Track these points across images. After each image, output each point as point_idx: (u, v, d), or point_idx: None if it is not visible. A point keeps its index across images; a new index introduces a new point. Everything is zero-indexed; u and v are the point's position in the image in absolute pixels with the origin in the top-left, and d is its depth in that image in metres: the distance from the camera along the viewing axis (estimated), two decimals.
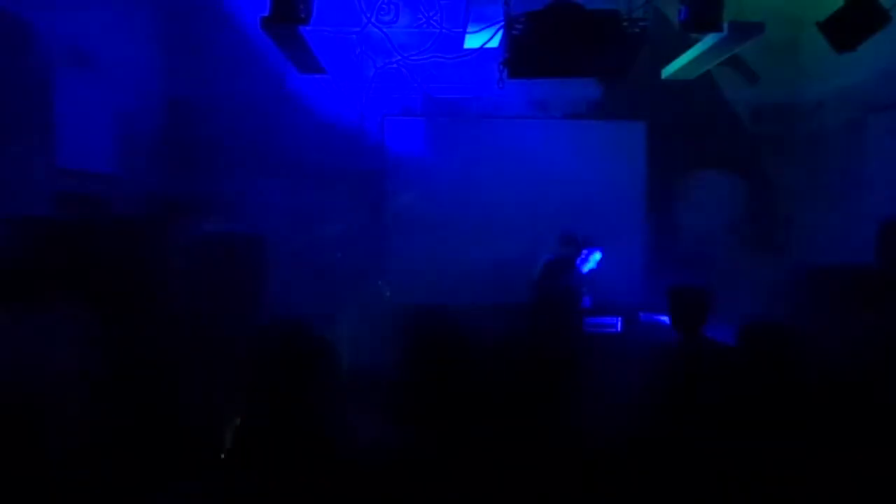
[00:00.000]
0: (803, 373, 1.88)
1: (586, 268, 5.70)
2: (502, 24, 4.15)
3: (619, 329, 6.06)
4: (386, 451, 1.78)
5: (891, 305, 2.87)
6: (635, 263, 6.66)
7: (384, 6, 6.50)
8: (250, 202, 6.49)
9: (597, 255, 5.68)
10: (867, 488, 2.05)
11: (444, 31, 6.35)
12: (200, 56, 6.46)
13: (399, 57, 6.18)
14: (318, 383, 2.33)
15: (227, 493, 2.14)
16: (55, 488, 2.12)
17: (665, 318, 4.68)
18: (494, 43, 5.01)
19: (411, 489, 1.65)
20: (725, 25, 4.40)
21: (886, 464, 2.06)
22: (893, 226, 4.34)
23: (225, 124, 6.53)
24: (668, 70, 5.74)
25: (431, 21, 6.59)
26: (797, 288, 4.83)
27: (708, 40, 4.89)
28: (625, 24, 3.84)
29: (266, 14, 4.33)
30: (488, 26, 4.94)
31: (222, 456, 2.66)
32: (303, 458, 2.09)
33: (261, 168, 6.64)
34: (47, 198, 4.40)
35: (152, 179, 6.09)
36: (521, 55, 4.03)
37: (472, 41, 5.43)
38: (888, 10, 4.17)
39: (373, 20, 6.03)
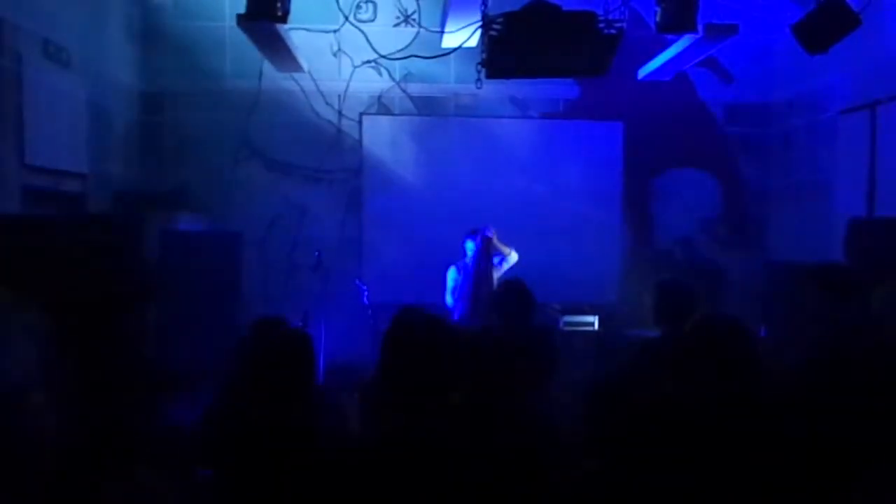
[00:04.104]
0: (750, 366, 1.91)
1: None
2: (480, 24, 4.16)
3: (595, 327, 6.11)
4: (362, 445, 1.79)
5: (859, 302, 2.93)
6: (612, 262, 6.71)
7: (362, 5, 6.49)
8: (226, 200, 6.45)
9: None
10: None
11: (422, 30, 6.35)
12: (176, 52, 6.40)
13: (377, 56, 6.16)
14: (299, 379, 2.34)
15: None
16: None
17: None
18: (472, 43, 5.01)
19: (388, 483, 1.66)
20: (700, 27, 4.46)
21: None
22: (861, 225, 4.44)
23: (201, 122, 6.48)
24: (645, 70, 5.80)
25: (409, 20, 6.59)
26: (768, 285, 4.91)
27: (683, 41, 4.95)
28: (601, 24, 3.87)
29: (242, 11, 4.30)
30: (466, 26, 4.94)
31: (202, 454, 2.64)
32: (280, 451, 2.09)
33: (237, 166, 6.59)
34: (16, 196, 4.32)
35: (126, 176, 6.02)
36: (499, 55, 4.05)
37: (450, 41, 5.43)
38: (858, 14, 4.25)
39: (351, 19, 6.01)
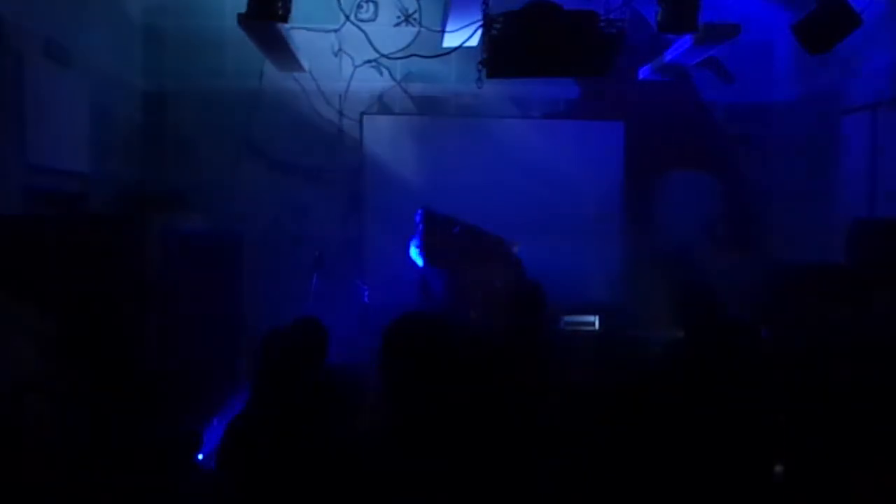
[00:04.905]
0: (752, 363, 1.91)
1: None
2: (481, 23, 4.16)
3: (597, 327, 6.11)
4: (364, 452, 1.79)
5: (860, 302, 2.93)
6: (612, 262, 6.70)
7: (363, 4, 6.48)
8: (227, 200, 6.44)
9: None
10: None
11: (423, 29, 6.35)
12: (176, 51, 6.40)
13: (378, 55, 6.16)
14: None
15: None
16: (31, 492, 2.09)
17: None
18: (473, 42, 5.01)
19: (392, 491, 1.66)
20: (701, 27, 4.46)
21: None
22: (863, 225, 4.44)
23: (202, 122, 6.47)
24: (646, 70, 5.80)
25: (410, 20, 6.58)
26: (770, 285, 4.91)
27: (684, 41, 4.95)
28: (602, 24, 3.87)
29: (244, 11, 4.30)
30: (467, 25, 4.94)
31: (201, 456, 2.65)
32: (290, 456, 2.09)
33: (238, 165, 6.59)
34: (19, 196, 4.32)
35: (128, 176, 6.01)
36: (500, 55, 4.05)
37: (451, 40, 5.43)
38: (860, 13, 4.25)
39: (352, 18, 6.01)
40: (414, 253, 5.76)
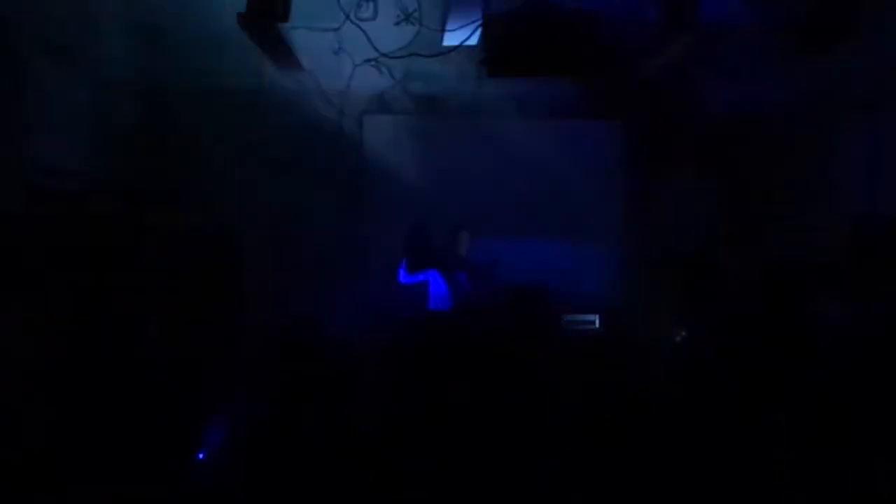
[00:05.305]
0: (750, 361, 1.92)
1: None
2: (481, 22, 4.17)
3: (597, 326, 6.12)
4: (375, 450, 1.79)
5: (860, 301, 2.93)
6: (612, 261, 6.71)
7: (363, 3, 6.48)
8: (228, 199, 6.45)
9: None
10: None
11: (423, 28, 6.35)
12: (176, 51, 6.39)
13: (378, 54, 6.16)
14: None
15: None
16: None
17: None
18: (473, 41, 5.02)
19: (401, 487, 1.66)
20: (701, 26, 4.46)
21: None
22: (863, 225, 4.44)
23: (202, 121, 6.47)
24: (646, 70, 5.79)
25: (410, 18, 6.59)
26: (770, 285, 4.91)
27: (683, 40, 4.94)
28: (602, 24, 3.88)
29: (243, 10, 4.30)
30: (467, 24, 4.94)
31: (202, 455, 2.66)
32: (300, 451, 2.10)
33: (239, 165, 6.59)
34: (20, 195, 4.33)
35: (128, 176, 6.01)
36: (500, 54, 4.06)
37: (451, 39, 5.43)
38: (859, 12, 4.25)
39: (352, 17, 6.01)
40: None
